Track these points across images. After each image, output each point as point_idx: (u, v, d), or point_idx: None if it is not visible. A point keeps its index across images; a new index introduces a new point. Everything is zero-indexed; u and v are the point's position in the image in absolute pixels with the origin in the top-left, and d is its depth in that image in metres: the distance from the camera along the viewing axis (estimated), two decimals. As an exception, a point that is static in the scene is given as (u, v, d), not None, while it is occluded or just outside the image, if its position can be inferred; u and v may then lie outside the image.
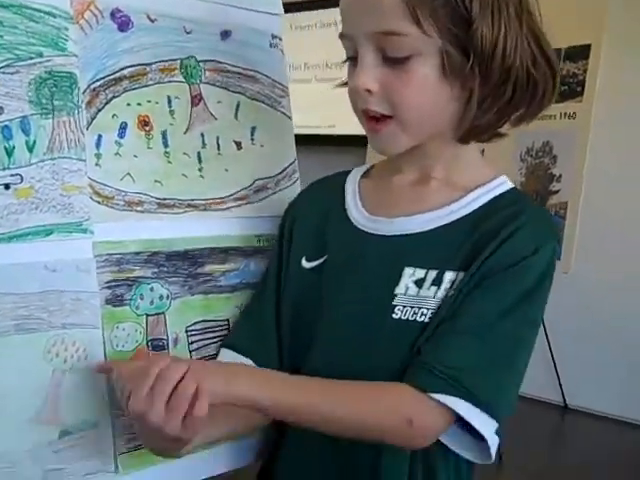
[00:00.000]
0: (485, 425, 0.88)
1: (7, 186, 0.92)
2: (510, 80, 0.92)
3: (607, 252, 2.75)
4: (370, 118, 0.96)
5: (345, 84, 1.01)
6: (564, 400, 2.92)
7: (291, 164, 1.21)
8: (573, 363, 2.84)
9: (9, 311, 0.91)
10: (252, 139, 1.16)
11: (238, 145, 1.15)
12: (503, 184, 0.99)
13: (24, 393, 0.92)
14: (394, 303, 0.94)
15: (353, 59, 0.96)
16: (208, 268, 1.09)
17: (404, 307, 0.94)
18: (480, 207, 0.96)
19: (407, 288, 0.94)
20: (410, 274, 0.95)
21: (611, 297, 2.76)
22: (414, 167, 1.02)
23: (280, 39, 1.22)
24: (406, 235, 0.98)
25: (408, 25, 0.90)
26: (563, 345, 2.85)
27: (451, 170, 1.00)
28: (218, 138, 1.12)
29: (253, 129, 1.16)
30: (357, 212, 1.03)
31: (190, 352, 1.07)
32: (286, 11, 1.20)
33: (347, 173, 1.10)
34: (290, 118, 1.22)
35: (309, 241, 1.05)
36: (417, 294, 0.94)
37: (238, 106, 1.15)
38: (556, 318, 2.83)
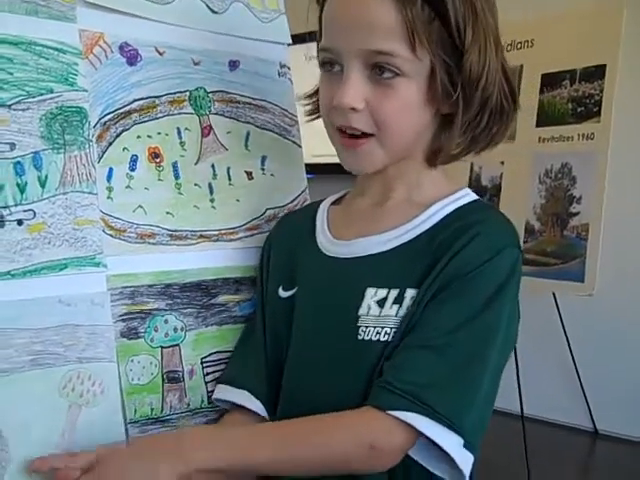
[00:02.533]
0: (448, 441, 0.86)
1: (20, 222, 0.93)
2: (487, 109, 0.95)
3: (631, 273, 2.72)
4: (348, 135, 0.95)
5: (312, 95, 1.02)
6: (594, 426, 2.87)
7: (302, 193, 1.21)
8: (602, 387, 2.80)
9: (25, 346, 0.91)
10: (263, 168, 1.16)
11: (249, 175, 1.15)
12: (465, 196, 0.99)
13: (40, 428, 0.91)
14: (358, 324, 0.93)
15: (331, 71, 0.96)
16: (222, 299, 1.09)
17: (367, 327, 0.93)
18: (440, 221, 0.95)
19: (369, 308, 0.93)
20: (372, 295, 0.94)
21: (637, 317, 2.72)
22: (375, 189, 1.02)
23: (289, 68, 1.23)
24: (367, 256, 0.97)
25: (402, 47, 0.90)
26: (591, 369, 2.81)
27: (412, 190, 1.00)
28: (229, 168, 1.13)
29: (263, 158, 1.17)
30: (324, 237, 1.03)
31: (206, 383, 1.06)
32: (302, 41, 1.20)
33: (321, 201, 1.10)
34: (300, 147, 1.22)
35: (284, 271, 1.05)
36: (379, 314, 0.93)
37: (248, 136, 1.16)
38: (582, 341, 2.79)
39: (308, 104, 1.06)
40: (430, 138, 0.98)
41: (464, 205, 0.97)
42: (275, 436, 0.88)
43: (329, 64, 0.96)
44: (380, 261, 0.96)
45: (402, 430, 0.86)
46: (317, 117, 1.04)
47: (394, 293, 0.93)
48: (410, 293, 0.92)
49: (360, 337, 0.93)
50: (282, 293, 1.04)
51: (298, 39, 1.25)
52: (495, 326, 0.91)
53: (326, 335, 0.96)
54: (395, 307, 0.92)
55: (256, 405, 1.01)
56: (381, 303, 0.93)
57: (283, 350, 1.01)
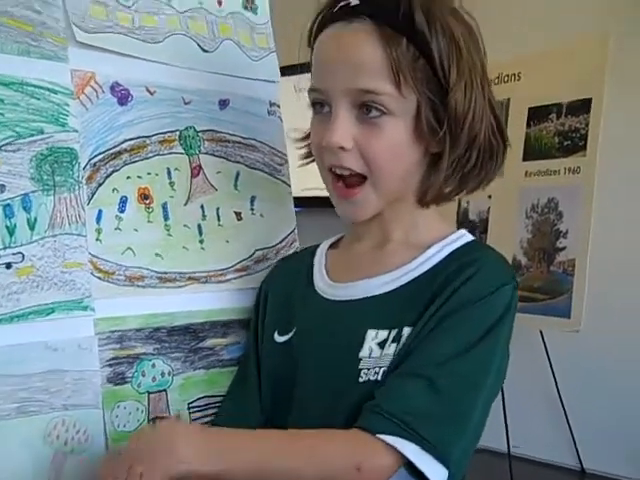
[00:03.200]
0: (434, 470, 0.85)
1: (9, 265, 0.92)
2: (475, 147, 0.95)
3: (618, 309, 2.72)
4: (340, 181, 0.96)
5: (305, 138, 1.03)
6: (581, 464, 2.86)
7: (291, 232, 1.20)
8: (589, 425, 2.79)
9: (10, 394, 0.90)
10: (252, 209, 1.16)
11: (238, 215, 1.14)
12: (461, 237, 0.99)
13: (26, 476, 0.90)
14: (360, 367, 0.93)
15: (321, 112, 0.96)
16: (209, 342, 1.08)
17: (369, 370, 0.92)
18: (438, 262, 0.96)
19: (371, 351, 0.93)
20: (373, 336, 0.94)
21: (624, 354, 2.72)
22: (374, 232, 1.02)
23: (278, 106, 1.23)
24: (367, 298, 0.97)
25: (388, 85, 0.91)
26: (577, 406, 2.80)
27: (409, 231, 1.00)
28: (218, 209, 1.12)
29: (253, 199, 1.16)
30: (322, 281, 1.03)
31: (194, 428, 1.04)
32: (291, 73, 1.20)
33: (318, 246, 1.10)
34: (289, 186, 1.21)
35: (280, 315, 1.04)
36: (380, 355, 0.92)
37: (238, 176, 1.15)
38: (569, 379, 2.79)
39: (301, 147, 1.06)
40: (420, 178, 0.98)
41: (462, 246, 0.98)
42: (267, 447, 0.87)
43: (319, 105, 0.97)
44: (380, 303, 0.96)
45: (389, 455, 0.86)
46: (311, 161, 1.04)
47: (394, 333, 0.93)
48: (407, 331, 0.92)
49: (362, 380, 0.92)
50: (278, 338, 1.03)
51: (288, 71, 1.25)
52: (488, 361, 0.91)
53: (327, 377, 0.95)
54: (393, 346, 0.92)
55: None
56: (382, 344, 0.93)
57: (282, 393, 1.00)
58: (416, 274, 0.96)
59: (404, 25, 0.91)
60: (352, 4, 0.94)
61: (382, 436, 0.85)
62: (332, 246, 1.09)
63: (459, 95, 0.93)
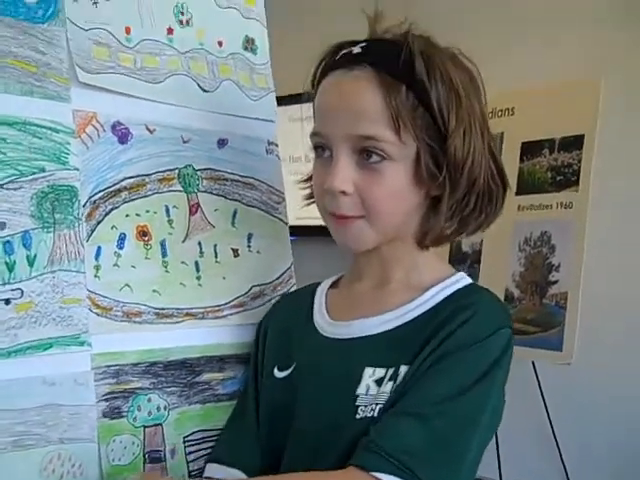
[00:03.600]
0: None
1: (7, 301, 0.93)
2: (474, 191, 0.98)
3: (610, 342, 2.73)
4: (338, 217, 0.98)
5: (307, 180, 1.05)
6: (573, 494, 2.86)
7: (287, 269, 1.22)
8: (580, 456, 2.79)
9: (7, 428, 0.91)
10: (249, 246, 1.18)
11: (235, 252, 1.16)
12: (461, 280, 1.01)
13: (20, 510, 0.91)
14: (357, 404, 0.94)
15: (322, 156, 0.99)
16: (205, 377, 1.10)
17: (366, 406, 0.93)
18: (437, 304, 0.98)
19: (368, 388, 0.94)
20: (370, 374, 0.95)
21: (616, 387, 2.72)
22: (374, 272, 1.04)
23: (276, 145, 1.25)
24: (365, 337, 0.99)
25: (388, 132, 0.94)
26: (569, 437, 2.80)
27: (409, 272, 1.02)
28: (216, 246, 1.14)
29: (250, 236, 1.18)
30: (321, 319, 1.05)
31: (187, 463, 1.06)
32: (286, 103, 1.22)
33: (318, 284, 1.12)
34: (286, 224, 1.23)
35: (280, 350, 1.06)
36: (377, 392, 0.94)
37: (235, 213, 1.17)
38: (561, 410, 2.79)
39: (304, 188, 1.08)
40: (419, 220, 1.01)
41: (460, 288, 1.00)
42: None
43: (320, 149, 0.99)
44: (378, 342, 0.98)
45: None
46: (313, 201, 1.06)
47: (391, 371, 0.94)
48: (404, 369, 0.94)
49: (359, 416, 0.93)
50: (277, 373, 1.04)
51: (283, 101, 1.27)
52: (482, 403, 0.92)
53: (325, 413, 0.97)
54: (390, 384, 0.93)
55: None
56: (379, 382, 0.94)
57: (280, 428, 1.01)
58: (414, 315, 0.98)
59: (404, 73, 0.93)
60: (354, 52, 0.97)
61: (377, 474, 0.86)
62: (332, 285, 1.11)
63: (458, 141, 0.95)
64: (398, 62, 0.93)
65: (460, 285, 1.00)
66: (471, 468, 0.92)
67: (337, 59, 0.98)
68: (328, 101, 0.98)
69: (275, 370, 1.05)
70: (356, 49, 0.97)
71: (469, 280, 1.02)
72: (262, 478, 0.93)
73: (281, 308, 1.13)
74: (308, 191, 1.08)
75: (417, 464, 0.87)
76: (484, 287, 1.02)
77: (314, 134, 1.00)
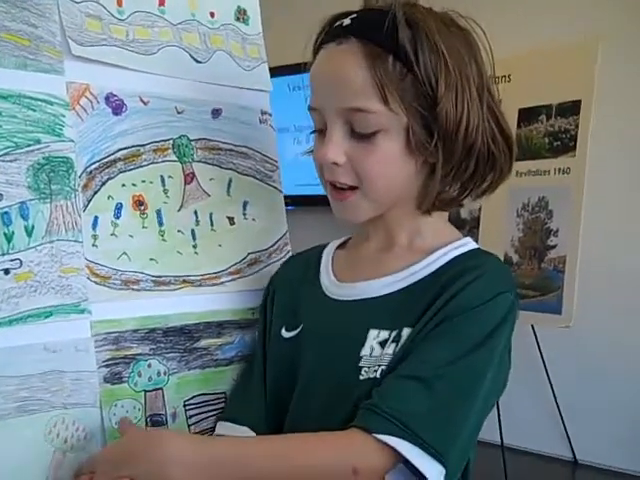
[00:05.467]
0: (431, 469, 0.88)
1: (7, 271, 0.95)
2: (472, 156, 0.97)
3: (608, 305, 2.76)
4: (335, 188, 1.00)
5: (311, 152, 1.06)
6: (574, 455, 2.89)
7: (282, 237, 1.24)
8: (581, 417, 2.82)
9: (11, 393, 0.93)
10: (244, 214, 1.19)
11: (231, 220, 1.18)
12: (465, 245, 1.02)
13: (26, 475, 0.93)
14: (360, 365, 0.96)
15: (320, 130, 1.01)
16: (204, 342, 1.12)
17: (369, 367, 0.95)
18: (440, 267, 0.99)
19: (372, 349, 0.96)
20: (375, 336, 0.97)
21: (614, 349, 2.75)
22: (380, 236, 1.06)
23: (270, 115, 1.26)
24: (369, 298, 1.01)
25: (376, 103, 0.95)
26: (569, 399, 2.84)
27: (414, 236, 1.04)
28: (211, 214, 1.16)
29: (245, 204, 1.20)
30: (327, 280, 1.07)
31: (189, 426, 1.08)
32: (285, 72, 1.22)
33: (326, 245, 1.14)
34: (281, 192, 1.25)
35: (287, 311, 1.08)
36: (380, 354, 0.95)
37: (230, 182, 1.19)
38: (561, 372, 2.82)
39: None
40: (420, 186, 1.01)
41: (465, 252, 1.01)
42: (258, 454, 0.89)
43: (317, 122, 1.01)
44: (383, 303, 0.99)
45: (385, 454, 0.88)
46: None
47: (394, 333, 0.96)
48: (406, 332, 0.95)
49: (362, 377, 0.95)
50: (285, 333, 1.06)
51: (282, 70, 1.28)
52: (484, 366, 0.93)
53: (330, 375, 0.98)
54: (392, 345, 0.95)
55: None
56: (383, 344, 0.96)
57: (286, 388, 1.03)
58: (418, 277, 0.99)
59: (389, 43, 0.94)
60: (344, 24, 0.98)
61: (379, 435, 0.88)
62: (340, 246, 1.12)
63: (449, 107, 0.94)
64: (382, 32, 0.94)
65: (466, 249, 1.01)
66: (473, 431, 0.94)
67: (329, 32, 1.00)
68: (318, 76, 1.00)
69: (283, 330, 1.07)
70: (346, 21, 0.98)
71: (475, 245, 1.03)
72: (267, 437, 0.95)
73: (289, 269, 1.15)
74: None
75: (419, 426, 0.88)
76: (490, 252, 1.02)
77: (310, 108, 1.01)
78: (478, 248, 1.03)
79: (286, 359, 1.04)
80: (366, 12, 0.99)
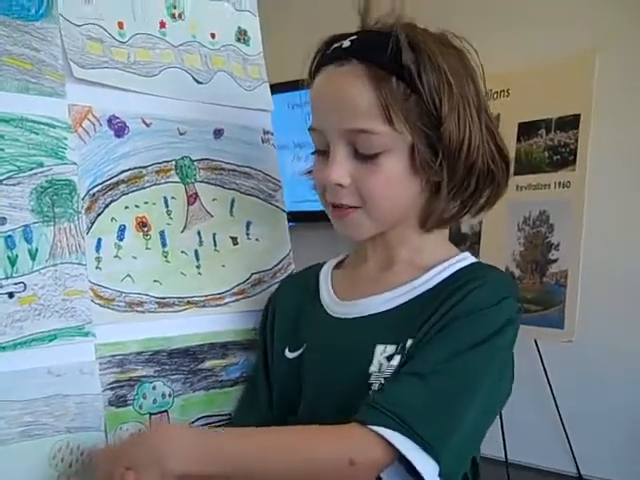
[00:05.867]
0: (424, 465, 0.88)
1: (11, 295, 0.95)
2: (473, 174, 0.99)
3: (610, 318, 2.75)
4: (336, 207, 1.00)
5: (310, 172, 1.06)
6: (578, 471, 2.88)
7: (286, 256, 1.23)
8: (585, 433, 2.81)
9: (15, 418, 0.93)
10: (248, 234, 1.19)
11: (234, 240, 1.18)
12: (465, 259, 1.03)
13: (31, 500, 0.93)
14: (370, 381, 0.96)
15: (321, 151, 1.01)
16: (209, 364, 1.11)
17: (379, 383, 0.95)
18: (442, 281, 0.99)
19: (380, 365, 0.96)
20: (382, 351, 0.97)
21: (618, 363, 2.75)
22: (378, 255, 1.06)
23: (272, 134, 1.27)
24: (373, 315, 1.01)
25: (380, 124, 0.95)
26: (573, 414, 2.83)
27: (414, 254, 1.04)
28: (215, 235, 1.16)
29: (248, 224, 1.20)
30: (329, 299, 1.07)
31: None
32: (285, 90, 1.22)
33: (322, 264, 1.14)
34: (284, 211, 1.25)
35: (289, 331, 1.08)
36: (388, 367, 0.96)
37: (233, 202, 1.19)
38: (565, 387, 2.82)
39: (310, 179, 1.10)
40: (423, 204, 1.02)
41: (466, 266, 1.01)
42: (256, 446, 0.90)
43: (318, 143, 1.01)
44: (386, 319, 0.99)
45: (381, 447, 0.88)
46: None
47: (399, 347, 0.96)
48: (410, 342, 0.95)
49: (371, 393, 0.94)
50: (289, 354, 1.06)
51: (282, 87, 1.28)
52: (486, 363, 0.94)
53: (338, 393, 0.98)
54: (398, 357, 0.95)
55: None
56: (390, 359, 0.96)
57: (290, 407, 1.03)
58: (420, 291, 1.00)
59: (392, 65, 0.95)
60: (344, 46, 0.98)
61: (374, 427, 0.88)
62: (337, 266, 1.13)
63: (452, 126, 0.96)
64: (385, 54, 0.95)
65: (465, 263, 1.02)
66: (472, 432, 0.94)
67: (328, 54, 1.00)
68: (321, 98, 1.00)
69: (286, 351, 1.06)
70: (345, 43, 0.99)
71: (474, 259, 1.04)
72: (267, 429, 0.93)
73: (287, 289, 1.15)
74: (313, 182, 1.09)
75: (414, 419, 0.88)
76: (491, 265, 1.03)
77: (311, 129, 1.02)
78: (479, 261, 1.04)
79: (291, 379, 1.04)
80: (365, 34, 1.00)
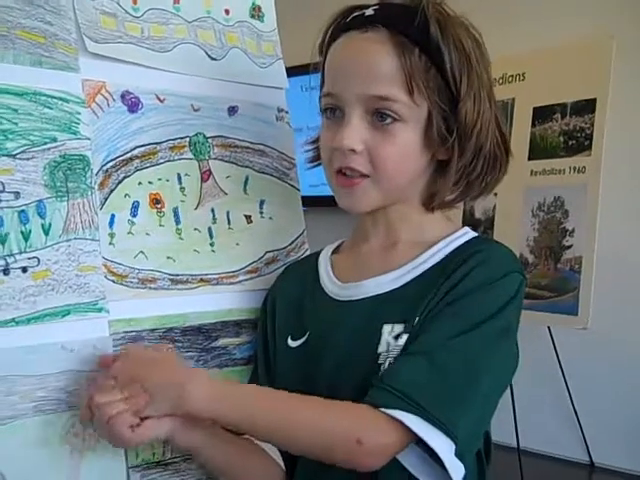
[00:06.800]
0: (440, 444, 0.87)
1: (24, 269, 0.94)
2: (480, 157, 1.00)
3: (625, 305, 2.73)
4: (343, 175, 0.99)
5: (314, 160, 1.07)
6: (590, 459, 2.87)
7: (300, 235, 1.22)
8: (598, 420, 2.80)
9: (28, 393, 0.92)
10: (261, 212, 1.18)
11: (248, 219, 1.17)
12: (466, 234, 1.03)
13: (44, 474, 0.93)
14: (379, 361, 0.95)
15: (332, 116, 1.00)
16: (222, 342, 1.11)
17: (388, 363, 0.94)
18: (444, 257, 0.99)
19: (388, 345, 0.95)
20: (389, 330, 0.96)
21: (632, 350, 2.73)
22: (380, 233, 1.05)
23: (286, 112, 1.25)
24: (378, 295, 1.00)
25: (401, 92, 0.95)
26: (586, 402, 2.81)
27: (416, 232, 1.03)
28: (228, 213, 1.15)
29: (262, 202, 1.19)
30: (330, 283, 1.06)
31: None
32: (299, 73, 1.21)
33: (319, 252, 1.13)
34: (298, 190, 1.24)
35: (291, 320, 1.07)
36: (395, 346, 0.95)
37: (247, 180, 1.18)
38: (578, 374, 2.80)
39: (309, 150, 1.09)
40: (426, 183, 1.02)
41: (468, 240, 1.01)
42: (271, 406, 0.92)
43: (331, 110, 1.00)
44: (392, 298, 0.99)
45: (393, 430, 0.88)
46: (318, 164, 1.07)
47: (407, 325, 0.95)
48: (417, 320, 0.95)
49: (380, 373, 0.94)
50: (291, 343, 1.05)
51: (296, 71, 1.27)
52: (492, 341, 0.93)
53: (347, 376, 0.98)
54: (405, 336, 0.95)
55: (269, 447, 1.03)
56: (397, 338, 0.95)
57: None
58: (424, 268, 0.99)
59: (418, 36, 0.95)
60: (367, 14, 0.98)
61: (387, 410, 0.88)
62: (334, 251, 1.12)
63: (469, 105, 0.97)
64: (412, 25, 0.95)
65: (467, 238, 1.02)
66: (484, 408, 0.93)
67: (349, 21, 0.99)
68: (341, 62, 0.99)
69: (289, 340, 1.06)
70: (368, 11, 0.98)
71: (475, 233, 1.04)
72: (284, 393, 0.94)
73: (286, 279, 1.14)
74: (312, 154, 1.09)
75: (427, 399, 0.88)
76: (492, 239, 1.03)
77: (326, 94, 1.00)
78: (479, 236, 1.04)
79: (298, 368, 1.03)
80: (389, 5, 1.00)
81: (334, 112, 0.99)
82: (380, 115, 0.96)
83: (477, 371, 0.91)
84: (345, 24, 1.00)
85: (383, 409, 0.88)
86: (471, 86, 0.97)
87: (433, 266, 0.99)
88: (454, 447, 0.88)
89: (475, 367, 0.91)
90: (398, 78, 0.95)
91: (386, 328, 0.96)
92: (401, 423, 0.87)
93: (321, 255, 1.11)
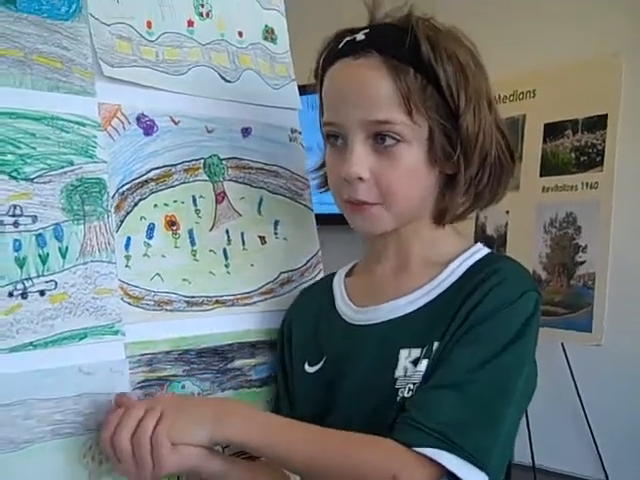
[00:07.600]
0: (473, 476, 0.87)
1: (42, 292, 0.95)
2: (487, 166, 1.00)
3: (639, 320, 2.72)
4: (353, 203, 0.99)
5: (322, 186, 1.08)
6: (606, 477, 2.85)
7: (314, 255, 1.23)
8: (613, 438, 2.78)
9: (46, 416, 0.93)
10: (276, 233, 1.19)
11: (262, 240, 1.17)
12: (478, 252, 1.03)
13: (61, 498, 0.93)
14: (397, 386, 0.95)
15: (335, 145, 1.00)
16: (238, 363, 1.11)
17: (406, 387, 0.94)
18: (460, 276, 0.99)
19: (406, 370, 0.95)
20: (406, 355, 0.96)
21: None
22: (392, 254, 1.05)
23: (300, 133, 1.26)
24: (395, 319, 1.00)
25: (401, 114, 0.95)
26: (601, 419, 2.79)
27: (428, 250, 1.04)
28: (243, 234, 1.15)
29: (276, 223, 1.19)
30: (346, 308, 1.06)
31: (222, 449, 1.07)
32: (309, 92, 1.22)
33: (333, 275, 1.13)
34: (312, 210, 1.24)
35: (308, 345, 1.07)
36: (414, 372, 0.95)
37: (261, 201, 1.18)
38: (593, 391, 2.78)
39: (316, 177, 1.10)
40: (435, 198, 1.02)
41: (481, 258, 1.01)
42: (307, 438, 0.91)
43: (333, 137, 1.01)
44: (408, 322, 0.99)
45: (426, 467, 0.88)
46: (327, 189, 1.08)
47: (425, 350, 0.95)
48: (436, 345, 0.95)
49: (400, 398, 0.94)
50: (309, 368, 1.06)
51: (305, 89, 1.28)
52: (517, 365, 0.93)
53: (365, 401, 0.97)
54: (425, 362, 0.94)
55: None
56: (415, 362, 0.95)
57: (315, 421, 1.00)
58: (440, 290, 0.99)
59: (411, 56, 0.95)
60: (358, 39, 0.98)
61: (421, 449, 0.87)
62: (348, 274, 1.12)
63: (469, 118, 0.97)
64: (404, 46, 0.95)
65: (480, 255, 1.02)
66: (510, 434, 0.93)
67: (341, 47, 1.00)
68: (338, 90, 1.00)
69: (306, 366, 1.06)
70: (359, 36, 0.99)
71: (487, 250, 1.04)
72: (313, 427, 0.93)
73: (302, 304, 1.14)
74: (319, 180, 1.10)
75: (459, 434, 0.88)
76: (504, 255, 1.03)
77: (327, 123, 1.01)
78: (492, 252, 1.04)
79: (316, 393, 1.03)
80: (379, 27, 1.00)
81: (336, 139, 1.00)
82: (382, 138, 0.96)
83: (504, 400, 0.92)
84: (338, 50, 1.00)
85: (416, 448, 0.88)
86: (469, 98, 0.97)
87: (449, 288, 0.99)
88: (487, 478, 0.88)
89: (502, 396, 0.92)
90: (396, 101, 0.95)
91: (403, 353, 0.96)
92: (434, 460, 0.87)
93: (335, 278, 1.12)
